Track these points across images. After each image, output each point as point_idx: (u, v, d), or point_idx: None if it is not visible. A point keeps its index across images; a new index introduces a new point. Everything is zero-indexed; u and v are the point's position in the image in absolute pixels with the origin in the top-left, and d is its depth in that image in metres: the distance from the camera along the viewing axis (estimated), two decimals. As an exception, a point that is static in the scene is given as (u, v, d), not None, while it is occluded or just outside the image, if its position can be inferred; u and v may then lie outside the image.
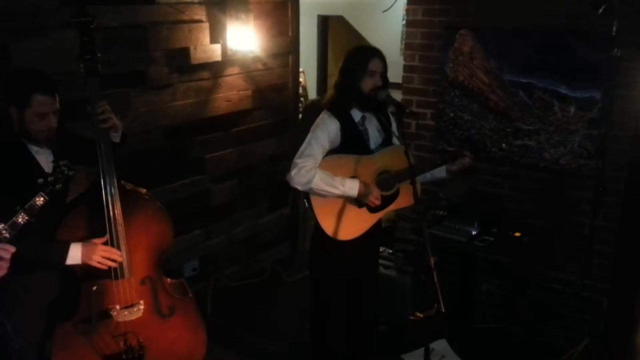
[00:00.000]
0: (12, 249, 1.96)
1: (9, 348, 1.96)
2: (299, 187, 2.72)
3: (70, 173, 2.17)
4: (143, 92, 3.58)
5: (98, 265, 2.42)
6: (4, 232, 1.95)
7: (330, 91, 2.92)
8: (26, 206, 2.02)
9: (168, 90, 3.71)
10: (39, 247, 2.19)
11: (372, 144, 2.87)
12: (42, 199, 2.07)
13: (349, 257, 2.89)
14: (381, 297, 3.63)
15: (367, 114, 2.86)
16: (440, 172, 2.93)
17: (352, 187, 2.72)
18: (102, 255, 2.42)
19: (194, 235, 4.07)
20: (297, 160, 2.72)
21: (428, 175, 2.96)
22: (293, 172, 2.71)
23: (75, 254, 2.37)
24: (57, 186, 2.14)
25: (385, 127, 2.93)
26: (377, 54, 2.79)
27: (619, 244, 3.45)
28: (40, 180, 2.12)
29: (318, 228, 2.82)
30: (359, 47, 2.95)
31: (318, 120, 2.81)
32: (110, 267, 2.48)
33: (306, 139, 2.77)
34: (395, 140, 2.94)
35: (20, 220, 1.99)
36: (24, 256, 2.06)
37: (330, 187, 2.70)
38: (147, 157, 3.65)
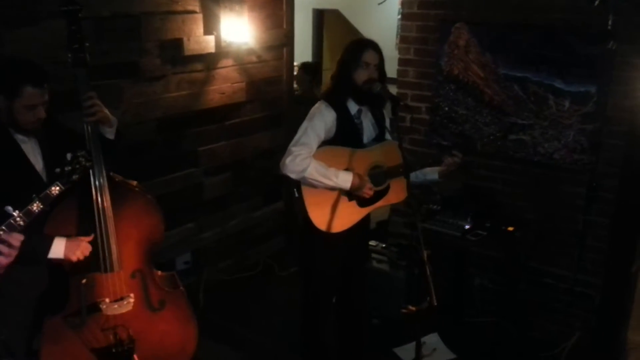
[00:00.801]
0: (21, 237, 1.96)
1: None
2: (293, 176, 2.70)
3: (87, 164, 2.15)
4: (135, 84, 3.55)
5: (78, 258, 2.41)
6: (18, 219, 1.95)
7: (328, 81, 2.93)
8: (41, 195, 2.01)
9: (161, 81, 3.69)
10: (27, 238, 2.16)
11: (366, 138, 2.87)
12: (57, 188, 2.05)
13: (337, 250, 2.88)
14: (374, 290, 3.64)
15: (363, 108, 2.85)
16: (432, 174, 2.93)
17: (345, 180, 2.71)
18: (84, 252, 2.40)
19: (186, 229, 4.05)
20: (293, 148, 2.70)
21: (420, 175, 2.95)
22: (288, 160, 2.68)
23: (58, 249, 2.35)
24: (74, 177, 2.11)
25: (379, 122, 2.92)
26: (371, 45, 2.79)
27: (612, 239, 3.45)
28: (57, 170, 2.10)
29: (307, 221, 2.80)
30: (356, 39, 2.97)
31: (315, 109, 2.80)
32: (99, 260, 2.46)
33: (302, 127, 2.75)
34: (388, 136, 2.94)
35: (35, 208, 1.98)
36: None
37: (324, 178, 2.69)
38: (139, 150, 3.62)
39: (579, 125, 3.48)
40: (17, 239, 1.95)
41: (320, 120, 2.74)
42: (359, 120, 2.84)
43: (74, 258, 2.38)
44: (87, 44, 2.42)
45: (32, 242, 2.20)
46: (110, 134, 2.55)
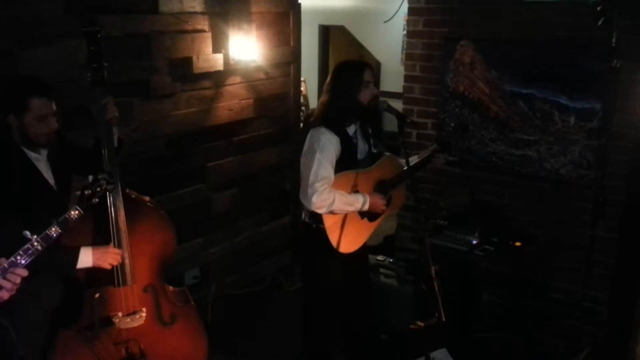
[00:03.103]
0: (25, 273, 1.92)
1: (14, 354, 1.96)
2: (321, 211, 2.70)
3: (109, 187, 2.14)
4: (146, 101, 3.60)
5: (108, 267, 2.45)
6: (36, 244, 1.93)
7: (322, 108, 2.83)
8: (60, 219, 2.00)
9: (171, 99, 3.74)
10: (49, 252, 2.18)
11: (360, 155, 2.90)
12: (76, 212, 2.04)
13: (342, 267, 2.89)
14: (382, 306, 3.64)
15: (358, 127, 2.88)
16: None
17: (364, 202, 2.76)
18: (115, 258, 2.45)
19: (195, 244, 4.08)
20: (316, 185, 2.67)
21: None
22: (314, 198, 2.66)
23: (86, 258, 2.39)
24: (94, 200, 2.10)
25: (366, 136, 2.95)
26: (367, 64, 2.86)
27: (619, 254, 3.45)
28: (78, 193, 2.10)
29: (312, 240, 2.83)
30: (347, 62, 2.95)
31: (319, 137, 2.73)
32: (113, 275, 2.50)
33: (315, 160, 2.70)
34: (373, 148, 2.97)
35: (53, 233, 1.97)
36: (36, 263, 2.02)
37: (349, 206, 2.74)
38: (149, 166, 3.66)
39: (584, 141, 3.51)
40: (20, 274, 1.91)
41: (330, 149, 2.73)
42: (356, 140, 2.88)
43: (105, 265, 2.42)
44: (106, 64, 2.50)
45: (57, 256, 2.22)
46: (115, 140, 2.62)
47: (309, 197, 2.68)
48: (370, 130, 2.98)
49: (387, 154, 2.98)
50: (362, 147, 2.91)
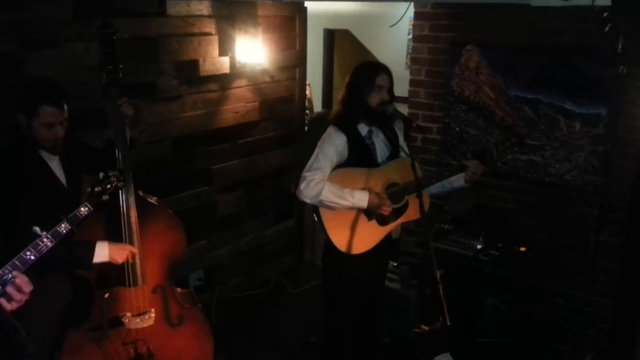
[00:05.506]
0: (29, 284, 1.90)
1: (24, 353, 1.97)
2: (309, 201, 2.74)
3: (119, 184, 2.16)
4: (152, 103, 3.62)
5: (121, 261, 2.46)
6: (46, 240, 1.94)
7: (336, 106, 2.94)
8: (70, 216, 2.01)
9: (177, 101, 3.76)
10: (64, 247, 2.18)
11: (379, 158, 2.89)
12: (86, 209, 2.05)
13: (361, 275, 2.89)
14: (386, 310, 3.65)
15: (373, 128, 2.88)
16: (458, 182, 2.90)
17: (362, 199, 2.73)
18: (132, 252, 2.47)
19: (199, 246, 4.09)
20: (306, 174, 2.74)
21: (447, 185, 2.92)
22: (302, 186, 2.72)
23: (102, 251, 2.39)
24: (104, 197, 2.11)
25: (392, 141, 2.94)
26: (384, 69, 2.83)
27: (624, 260, 3.45)
28: (88, 190, 2.12)
29: (329, 246, 2.82)
30: (366, 62, 2.99)
31: (325, 134, 2.83)
32: (124, 275, 2.51)
33: (314, 154, 2.79)
34: (403, 154, 2.96)
35: (62, 229, 1.98)
36: (51, 259, 2.03)
37: (340, 199, 2.71)
38: (154, 168, 3.68)
39: (590, 147, 3.51)
40: (25, 283, 1.90)
41: (331, 145, 2.77)
42: (370, 141, 2.88)
43: (120, 260, 2.43)
44: (121, 66, 2.53)
45: (73, 250, 2.23)
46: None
47: (299, 185, 2.74)
48: (402, 139, 2.94)
49: (403, 156, 2.93)
50: (382, 150, 2.89)
